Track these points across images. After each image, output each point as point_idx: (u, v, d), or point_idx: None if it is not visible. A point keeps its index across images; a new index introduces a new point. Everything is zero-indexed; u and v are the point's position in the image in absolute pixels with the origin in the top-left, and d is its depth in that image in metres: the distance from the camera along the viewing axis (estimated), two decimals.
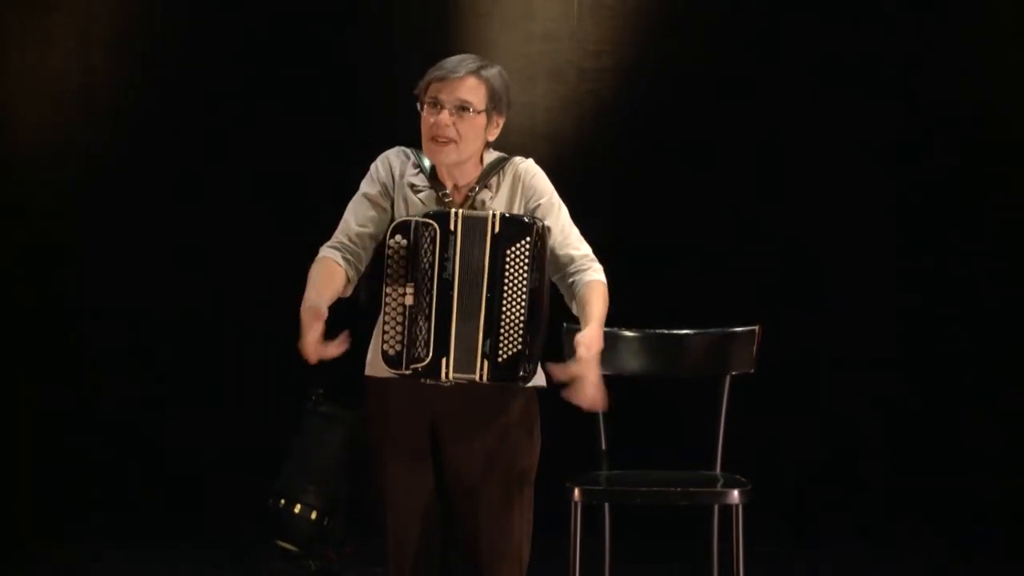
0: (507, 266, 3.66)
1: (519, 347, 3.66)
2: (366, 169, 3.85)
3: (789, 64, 6.10)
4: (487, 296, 3.65)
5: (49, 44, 6.12)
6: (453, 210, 3.68)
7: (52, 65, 6.13)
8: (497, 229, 3.66)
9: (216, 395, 6.12)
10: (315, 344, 3.55)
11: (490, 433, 3.76)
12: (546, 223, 3.74)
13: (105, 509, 6.07)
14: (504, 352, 3.66)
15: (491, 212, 3.68)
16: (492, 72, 3.76)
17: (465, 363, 3.66)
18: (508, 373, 3.67)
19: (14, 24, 6.11)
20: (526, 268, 3.67)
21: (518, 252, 3.67)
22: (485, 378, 3.66)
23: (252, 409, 6.01)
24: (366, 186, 3.83)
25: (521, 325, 3.66)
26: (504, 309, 3.66)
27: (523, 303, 3.66)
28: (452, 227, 3.65)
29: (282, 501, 3.77)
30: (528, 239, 3.66)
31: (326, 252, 3.77)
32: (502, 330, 3.65)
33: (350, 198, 6.30)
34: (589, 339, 3.63)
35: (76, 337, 6.16)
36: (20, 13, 6.11)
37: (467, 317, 3.65)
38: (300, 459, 3.79)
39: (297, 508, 3.76)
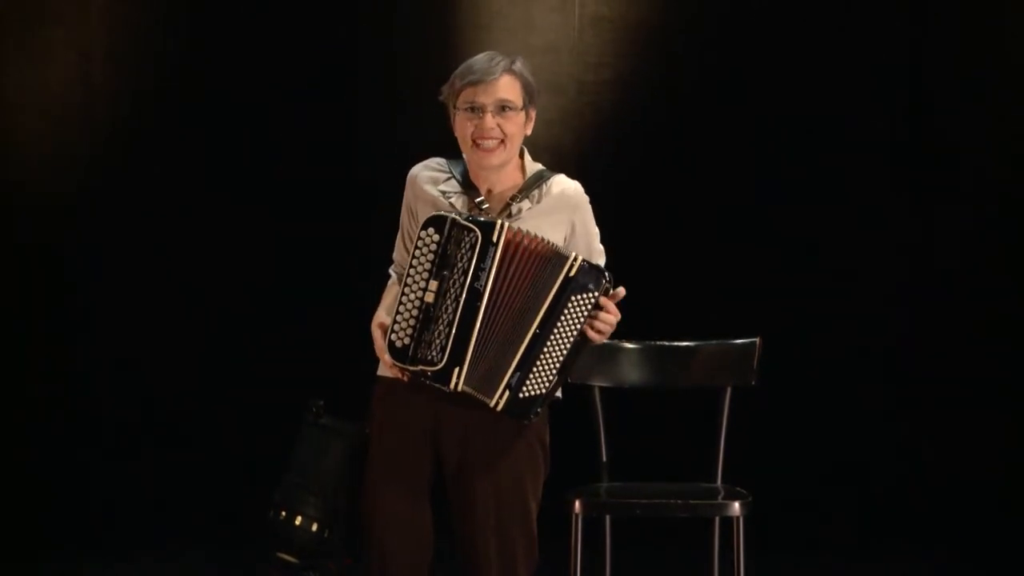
0: (567, 311, 3.60)
1: (542, 391, 3.62)
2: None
3: (789, 75, 6.10)
4: (535, 332, 3.59)
5: (48, 58, 6.12)
6: (499, 221, 3.60)
7: (51, 79, 6.13)
8: (573, 273, 3.60)
9: (215, 404, 6.11)
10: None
11: (497, 448, 3.70)
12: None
13: (104, 517, 6.06)
14: (528, 391, 3.61)
15: (574, 254, 3.61)
16: (520, 66, 3.73)
17: (486, 386, 3.59)
18: (521, 411, 3.62)
19: (13, 37, 6.11)
20: (582, 319, 3.62)
21: (582, 301, 3.61)
22: (500, 407, 3.60)
23: (252, 419, 6.00)
24: (403, 215, 3.84)
25: (554, 370, 3.61)
26: (546, 350, 3.60)
27: (565, 350, 3.61)
28: (495, 238, 3.57)
29: (282, 513, 3.77)
30: (596, 293, 3.61)
31: (393, 275, 3.86)
32: (535, 369, 3.60)
33: (350, 201, 6.31)
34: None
35: (74, 345, 6.16)
36: (19, 26, 6.11)
37: (502, 340, 3.58)
38: (300, 471, 3.79)
39: (297, 520, 3.75)
